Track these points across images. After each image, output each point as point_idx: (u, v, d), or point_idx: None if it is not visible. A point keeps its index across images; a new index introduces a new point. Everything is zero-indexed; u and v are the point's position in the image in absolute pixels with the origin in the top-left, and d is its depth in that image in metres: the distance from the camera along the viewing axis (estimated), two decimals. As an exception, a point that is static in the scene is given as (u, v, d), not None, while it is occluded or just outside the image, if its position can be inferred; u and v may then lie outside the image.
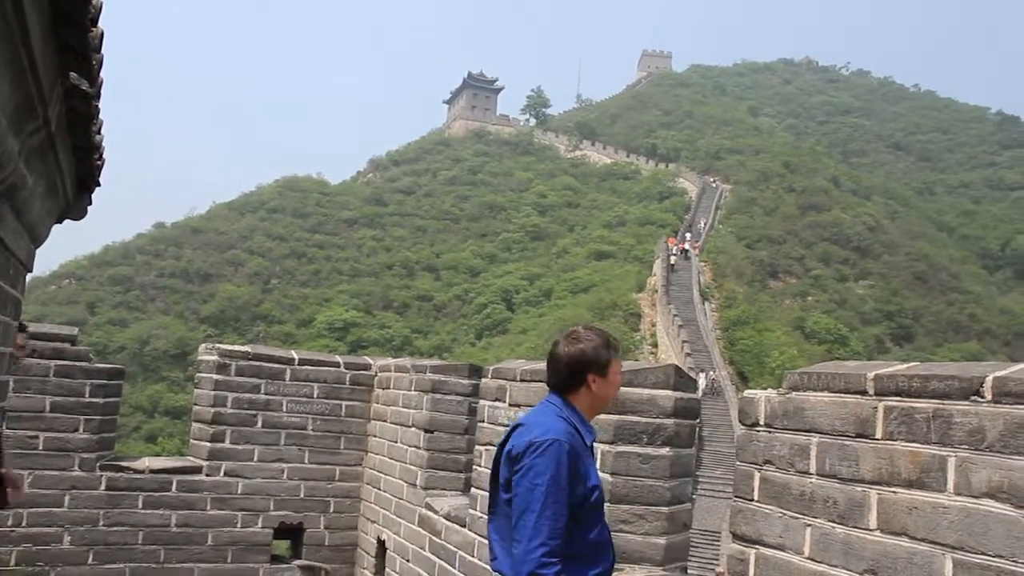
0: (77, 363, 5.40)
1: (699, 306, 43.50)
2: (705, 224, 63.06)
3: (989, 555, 1.79)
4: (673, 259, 49.08)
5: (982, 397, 1.86)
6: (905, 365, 2.14)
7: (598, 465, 2.68)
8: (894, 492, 2.01)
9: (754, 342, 40.07)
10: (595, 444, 2.64)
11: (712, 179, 78.01)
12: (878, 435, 2.07)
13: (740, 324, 42.62)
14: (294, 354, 5.91)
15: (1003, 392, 1.82)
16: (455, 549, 4.55)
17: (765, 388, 2.58)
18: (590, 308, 47.25)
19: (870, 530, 2.06)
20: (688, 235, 56.75)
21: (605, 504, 2.52)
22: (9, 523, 5.01)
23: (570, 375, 2.51)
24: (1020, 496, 1.75)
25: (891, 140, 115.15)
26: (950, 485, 1.89)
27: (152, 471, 5.48)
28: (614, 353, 2.56)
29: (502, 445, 2.51)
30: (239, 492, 5.62)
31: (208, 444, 5.59)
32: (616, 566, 2.55)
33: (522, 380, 4.11)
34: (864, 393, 2.13)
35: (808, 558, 2.20)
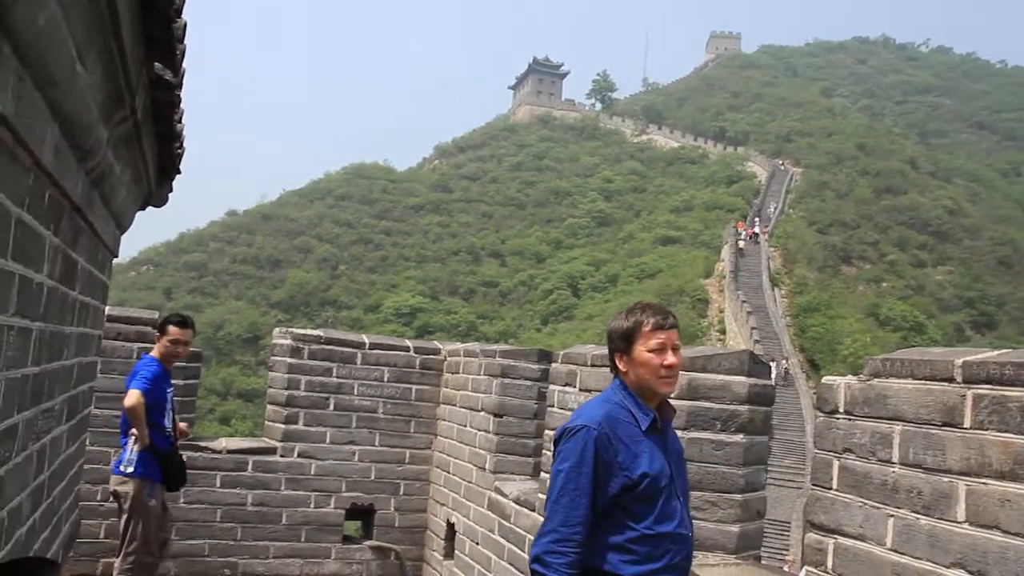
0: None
1: (768, 292, 42.69)
2: (775, 208, 61.77)
3: (1087, 550, 1.72)
4: (742, 244, 48.23)
5: (1081, 386, 1.78)
6: (996, 352, 2.06)
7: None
8: (984, 483, 1.94)
9: (825, 329, 39.18)
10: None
11: (782, 162, 76.25)
12: (966, 424, 2.00)
13: (811, 311, 41.70)
14: (365, 338, 6.01)
15: (1104, 380, 1.74)
16: (524, 533, 4.58)
17: (843, 375, 2.51)
18: (656, 294, 46.77)
19: (958, 522, 1.99)
20: (757, 220, 55.71)
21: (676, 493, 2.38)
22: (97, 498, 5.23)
23: (608, 357, 2.49)
24: (1122, 489, 1.67)
25: (974, 119, 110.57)
26: (1045, 477, 1.82)
27: (229, 451, 5.64)
28: (638, 324, 2.36)
29: None
30: (312, 473, 5.76)
31: (282, 426, 5.73)
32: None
33: (592, 365, 4.09)
34: (951, 380, 2.06)
35: (890, 549, 2.15)
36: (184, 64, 2.51)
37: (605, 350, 4.16)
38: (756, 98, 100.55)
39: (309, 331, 5.91)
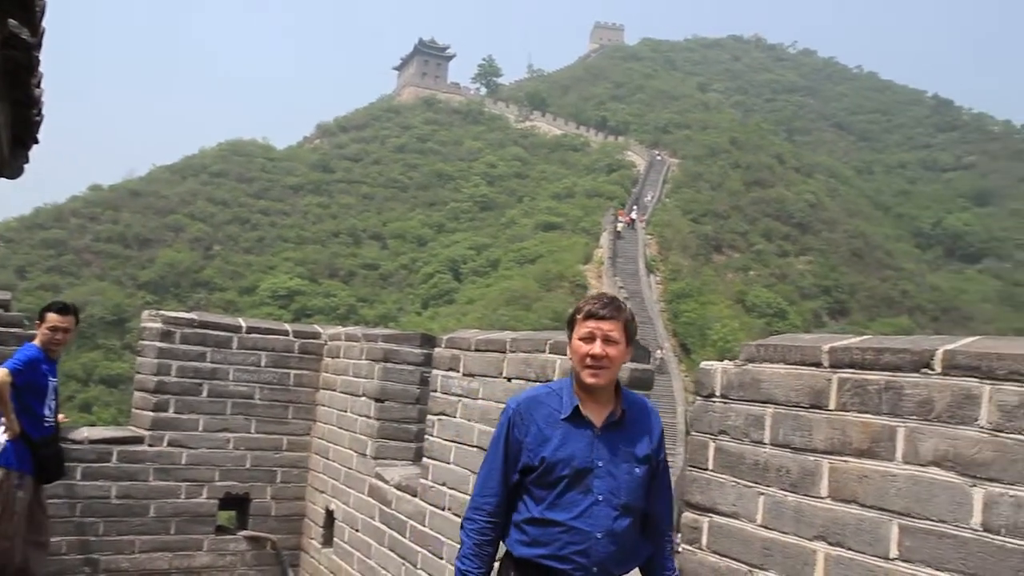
0: (10, 329, 5.22)
1: (644, 279, 44.05)
2: (652, 197, 63.66)
3: (933, 520, 1.85)
4: (620, 227, 49.63)
5: (932, 370, 1.91)
6: (859, 338, 2.18)
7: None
8: (845, 461, 2.06)
9: (697, 315, 40.81)
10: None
11: (659, 153, 78.61)
12: (832, 406, 2.12)
13: (684, 297, 43.34)
14: (241, 322, 5.80)
15: (952, 365, 1.87)
16: (406, 519, 4.55)
17: (709, 360, 2.62)
18: (537, 279, 47.49)
19: (821, 498, 2.10)
20: (635, 208, 57.24)
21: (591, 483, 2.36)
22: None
23: None
24: (964, 464, 1.81)
25: (834, 119, 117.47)
26: (899, 454, 1.94)
27: (91, 441, 5.33)
28: (576, 312, 2.44)
29: None
30: (183, 462, 5.51)
31: (151, 413, 5.45)
32: None
33: (477, 350, 4.10)
34: (819, 365, 2.17)
35: (761, 525, 2.25)
36: (45, 23, 2.32)
37: (490, 335, 4.18)
38: (637, 89, 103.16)
39: (181, 314, 5.65)
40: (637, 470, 2.40)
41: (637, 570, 2.54)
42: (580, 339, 2.38)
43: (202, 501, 5.57)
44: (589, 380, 2.36)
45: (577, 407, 2.39)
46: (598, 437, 2.38)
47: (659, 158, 76.58)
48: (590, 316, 2.38)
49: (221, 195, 72.91)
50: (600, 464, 2.35)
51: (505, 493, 2.44)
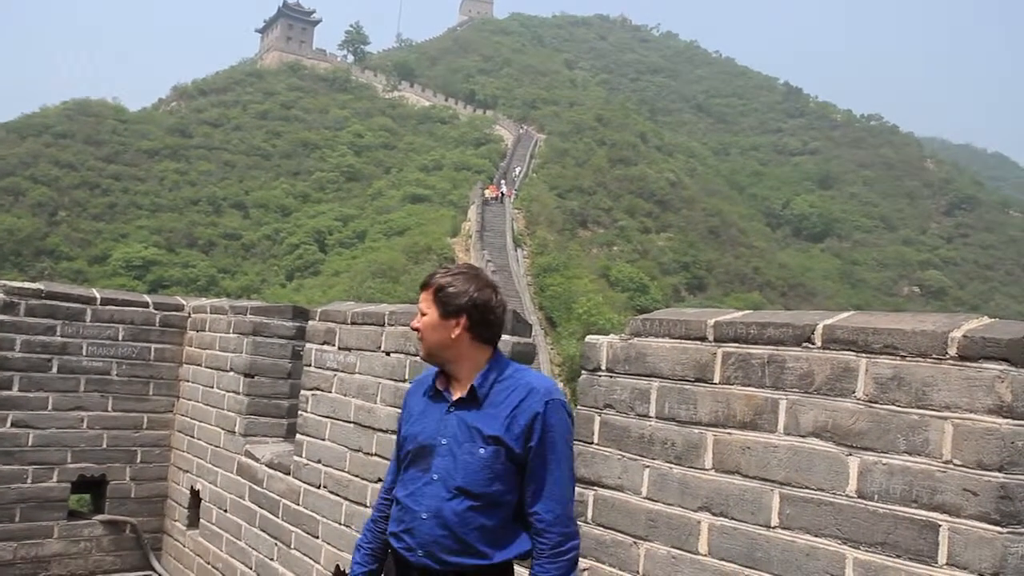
0: None
1: (512, 253, 44.42)
2: (520, 172, 64.16)
3: (812, 488, 1.94)
4: (488, 195, 50.01)
5: (813, 344, 1.99)
6: (742, 313, 2.25)
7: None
8: (729, 433, 2.13)
9: (563, 289, 41.53)
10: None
11: (527, 128, 79.28)
12: (716, 380, 2.18)
13: (550, 271, 44.00)
14: (96, 293, 5.40)
15: (831, 339, 1.96)
16: (278, 497, 4.41)
17: (574, 333, 2.64)
18: (404, 251, 47.01)
19: (705, 469, 2.17)
20: (503, 182, 57.56)
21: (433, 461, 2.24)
22: None
23: None
24: (841, 434, 1.90)
25: (694, 101, 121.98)
26: (780, 426, 2.02)
27: (-78, 422, 4.87)
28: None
29: None
30: (29, 444, 5.11)
31: (-9, 392, 5.02)
32: None
33: (353, 323, 3.99)
34: (704, 339, 2.23)
35: (646, 497, 2.30)
36: None
37: (367, 307, 4.08)
38: (505, 63, 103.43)
39: (26, 284, 5.21)
40: (482, 451, 2.17)
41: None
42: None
43: (52, 485, 5.19)
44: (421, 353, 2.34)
45: (433, 383, 2.33)
46: (448, 414, 2.26)
47: (527, 133, 77.22)
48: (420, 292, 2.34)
49: (67, 158, 67.75)
50: (444, 442, 2.22)
51: (396, 471, 2.43)
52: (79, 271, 54.92)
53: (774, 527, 2.00)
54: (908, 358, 1.82)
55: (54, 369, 5.17)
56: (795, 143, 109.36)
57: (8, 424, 5.07)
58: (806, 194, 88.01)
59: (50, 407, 5.17)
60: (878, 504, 1.82)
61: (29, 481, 5.12)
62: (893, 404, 1.83)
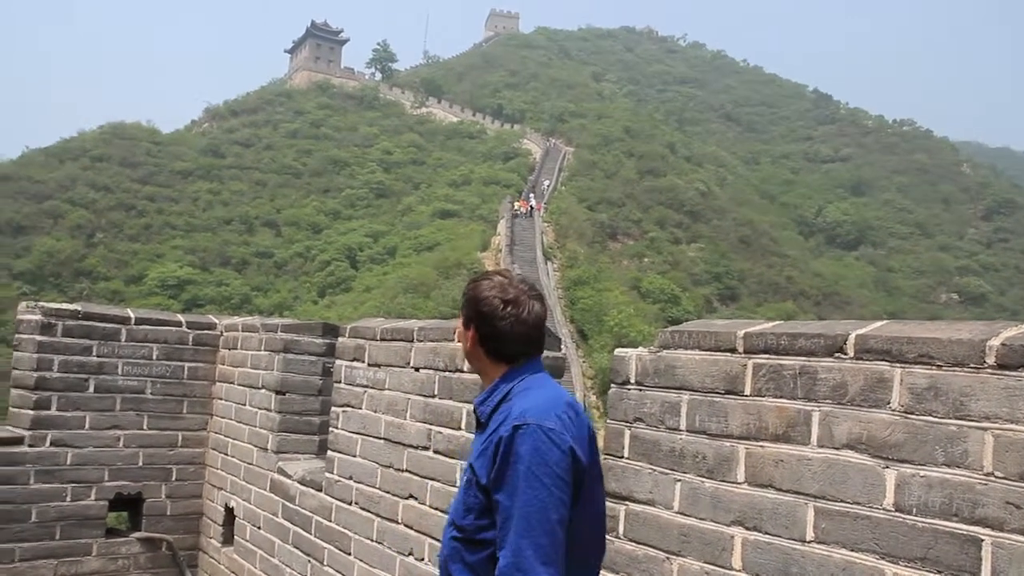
0: None
1: (542, 266, 44.41)
2: (548, 185, 64.23)
3: (848, 502, 1.90)
4: (516, 205, 50.16)
5: (845, 354, 1.95)
6: (772, 324, 2.22)
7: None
8: (761, 446, 2.09)
9: (594, 301, 41.45)
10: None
11: (555, 141, 79.40)
12: (747, 392, 2.15)
13: (581, 284, 43.94)
14: (130, 312, 5.48)
15: (864, 349, 1.92)
16: (311, 514, 4.42)
17: (606, 345, 2.62)
18: (435, 267, 47.24)
19: (738, 483, 2.13)
20: (532, 195, 57.66)
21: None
22: None
23: None
24: (877, 446, 1.86)
25: (722, 111, 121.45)
26: (814, 438, 1.98)
27: (-36, 443, 4.96)
28: None
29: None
30: (68, 463, 5.18)
31: (31, 412, 5.09)
32: None
33: (382, 339, 4.00)
34: (734, 351, 2.20)
35: (678, 512, 2.27)
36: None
37: (396, 323, 4.10)
38: (532, 77, 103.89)
39: (63, 305, 5.30)
40: (466, 477, 2.05)
41: None
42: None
43: (90, 503, 5.26)
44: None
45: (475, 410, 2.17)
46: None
47: (555, 146, 77.33)
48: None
49: (103, 180, 69.14)
50: (464, 466, 2.12)
51: None
52: (116, 291, 55.88)
53: (809, 541, 1.96)
54: (944, 367, 1.77)
55: (91, 388, 5.24)
56: (826, 150, 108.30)
57: (48, 443, 5.14)
58: (839, 201, 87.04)
59: (87, 426, 5.24)
60: (917, 518, 1.77)
61: (68, 499, 5.19)
62: (930, 415, 1.78)
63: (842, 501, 1.91)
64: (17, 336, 5.31)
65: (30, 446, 5.10)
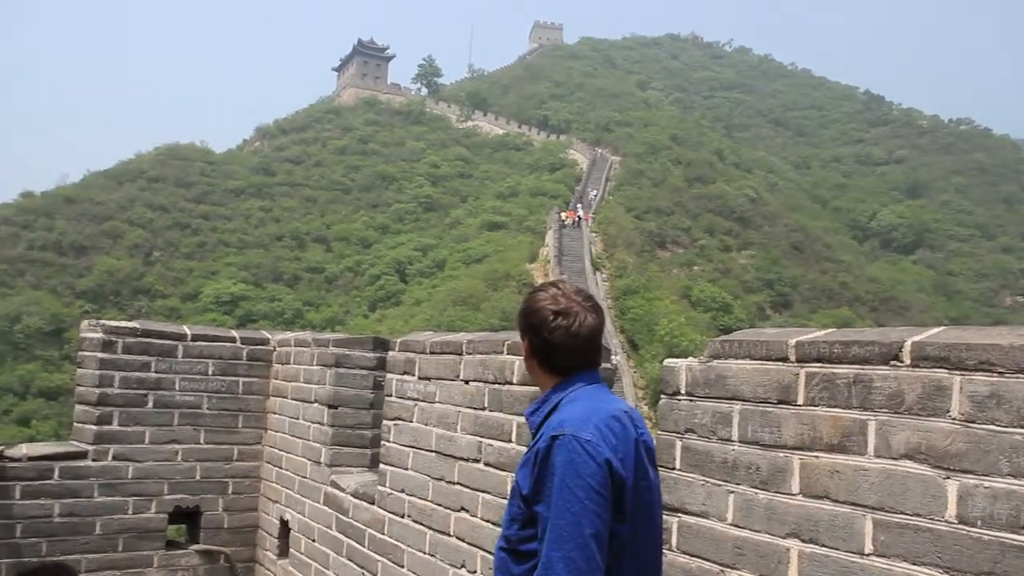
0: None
1: (591, 276, 44.22)
2: (596, 195, 64.04)
3: (907, 514, 1.85)
4: (565, 217, 50.17)
5: (901, 362, 1.90)
6: (824, 331, 2.18)
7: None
8: (816, 457, 2.05)
9: (644, 311, 41.11)
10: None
11: (602, 151, 79.18)
12: (800, 401, 2.11)
13: (630, 293, 43.62)
14: (186, 329, 5.61)
15: (921, 356, 1.87)
16: (364, 527, 4.46)
17: (657, 355, 2.59)
18: (484, 279, 47.40)
19: (792, 495, 2.09)
20: (579, 206, 57.55)
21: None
22: None
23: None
24: (937, 456, 1.81)
25: (770, 116, 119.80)
26: (870, 448, 1.94)
27: (31, 458, 5.11)
28: None
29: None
30: (129, 476, 5.32)
31: (94, 427, 5.24)
32: None
33: (432, 352, 4.02)
34: (786, 360, 2.16)
35: (732, 524, 2.23)
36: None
37: (445, 337, 4.12)
38: (577, 88, 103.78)
39: (123, 323, 5.45)
40: (512, 488, 2.06)
41: None
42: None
43: (151, 516, 5.38)
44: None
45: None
46: None
47: (602, 156, 77.13)
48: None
49: (160, 200, 71.20)
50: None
51: None
52: (173, 308, 57.31)
53: (868, 554, 1.91)
54: (1007, 375, 1.72)
55: (150, 404, 5.37)
56: (879, 152, 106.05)
57: (110, 457, 5.28)
58: (894, 204, 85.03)
59: (147, 440, 5.37)
60: (982, 531, 1.72)
61: (130, 512, 5.32)
62: (993, 423, 1.73)
63: (902, 513, 1.86)
64: (80, 353, 5.48)
65: (93, 460, 5.24)
